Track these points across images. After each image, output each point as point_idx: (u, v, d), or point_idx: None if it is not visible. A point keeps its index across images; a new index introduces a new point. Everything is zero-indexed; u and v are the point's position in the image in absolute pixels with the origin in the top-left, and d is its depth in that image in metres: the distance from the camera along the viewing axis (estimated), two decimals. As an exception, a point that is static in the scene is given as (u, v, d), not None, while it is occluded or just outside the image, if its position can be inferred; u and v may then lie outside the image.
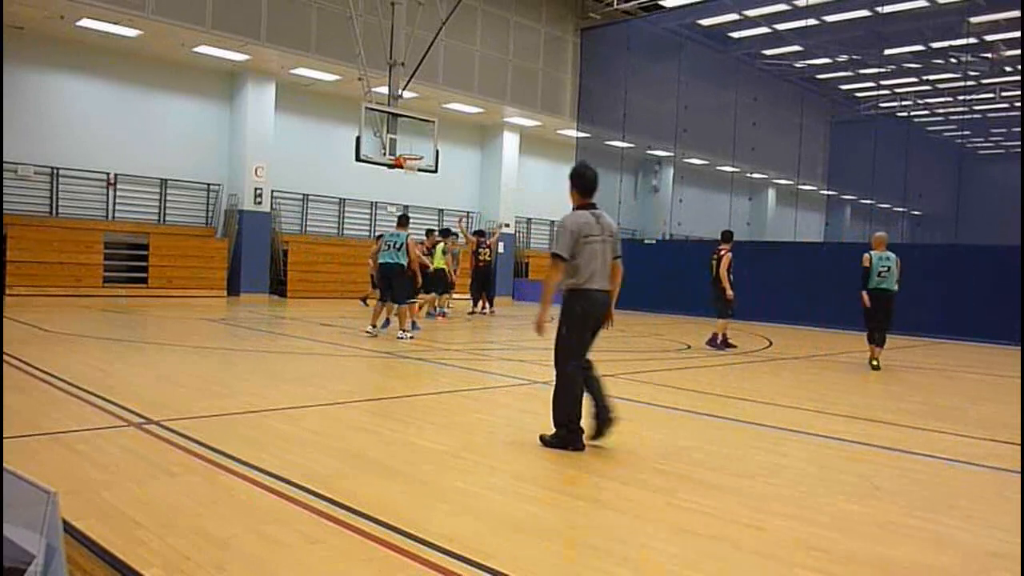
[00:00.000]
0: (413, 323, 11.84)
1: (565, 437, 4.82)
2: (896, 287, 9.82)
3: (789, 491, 4.09)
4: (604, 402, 4.87)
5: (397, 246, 10.98)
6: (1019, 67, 19.94)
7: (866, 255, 9.88)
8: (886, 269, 9.77)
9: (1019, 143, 21.69)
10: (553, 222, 27.13)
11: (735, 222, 22.66)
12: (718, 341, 11.46)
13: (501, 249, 21.62)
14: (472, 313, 16.40)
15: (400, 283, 10.97)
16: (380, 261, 11.08)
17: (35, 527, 1.79)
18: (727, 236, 11.84)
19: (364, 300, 17.33)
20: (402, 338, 10.59)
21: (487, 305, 16.67)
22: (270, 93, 19.00)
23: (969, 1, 18.16)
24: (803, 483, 4.31)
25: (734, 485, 4.13)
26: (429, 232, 15.62)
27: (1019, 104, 21.29)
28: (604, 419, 4.83)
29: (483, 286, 16.84)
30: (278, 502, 3.51)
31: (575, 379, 4.86)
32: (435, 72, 19.22)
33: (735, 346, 11.49)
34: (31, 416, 4.99)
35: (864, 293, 9.80)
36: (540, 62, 22.71)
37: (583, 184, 4.96)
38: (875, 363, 9.91)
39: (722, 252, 11.49)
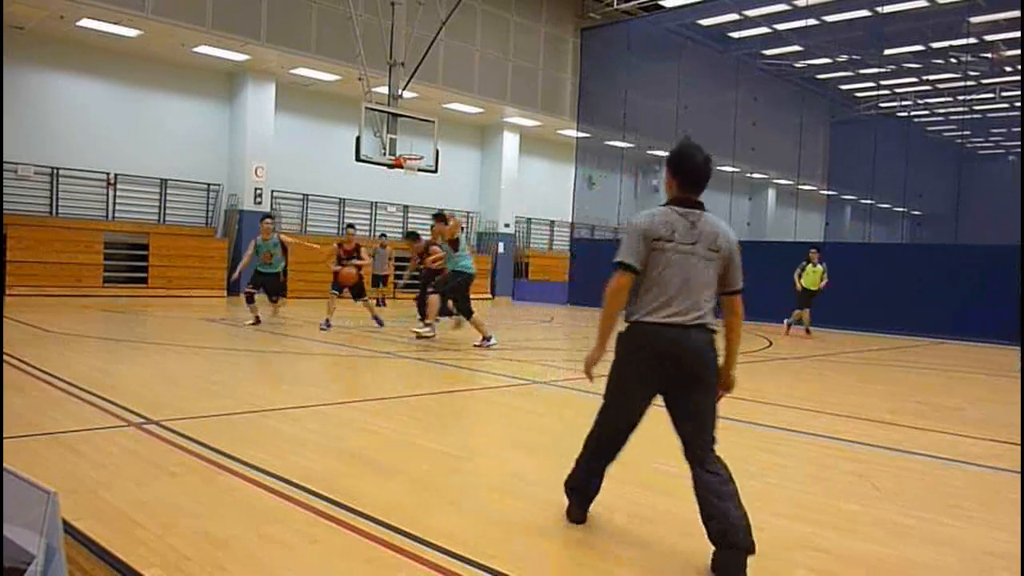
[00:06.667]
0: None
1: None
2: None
3: (789, 491, 4.09)
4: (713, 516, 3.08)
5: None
6: (1019, 67, 19.93)
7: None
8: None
9: (1019, 143, 21.70)
10: (553, 222, 27.16)
11: (735, 222, 22.68)
12: None
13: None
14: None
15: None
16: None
17: (35, 527, 1.79)
18: None
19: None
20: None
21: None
22: (270, 93, 19.01)
23: (969, 1, 18.16)
24: (803, 483, 4.31)
25: (739, 485, 4.12)
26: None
27: (1019, 104, 21.28)
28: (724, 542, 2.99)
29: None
30: (278, 502, 3.51)
31: (590, 451, 3.43)
32: (435, 72, 19.23)
33: None
34: (31, 416, 4.98)
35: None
36: (540, 62, 22.72)
37: (679, 171, 3.21)
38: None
39: None
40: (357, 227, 21.78)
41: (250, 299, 12.04)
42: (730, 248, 3.18)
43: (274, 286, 12.52)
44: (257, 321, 11.84)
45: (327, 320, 11.78)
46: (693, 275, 3.09)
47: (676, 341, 3.05)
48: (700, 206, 3.19)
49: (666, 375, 3.10)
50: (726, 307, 3.25)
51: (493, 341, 10.24)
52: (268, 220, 12.41)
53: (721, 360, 3.22)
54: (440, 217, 10.81)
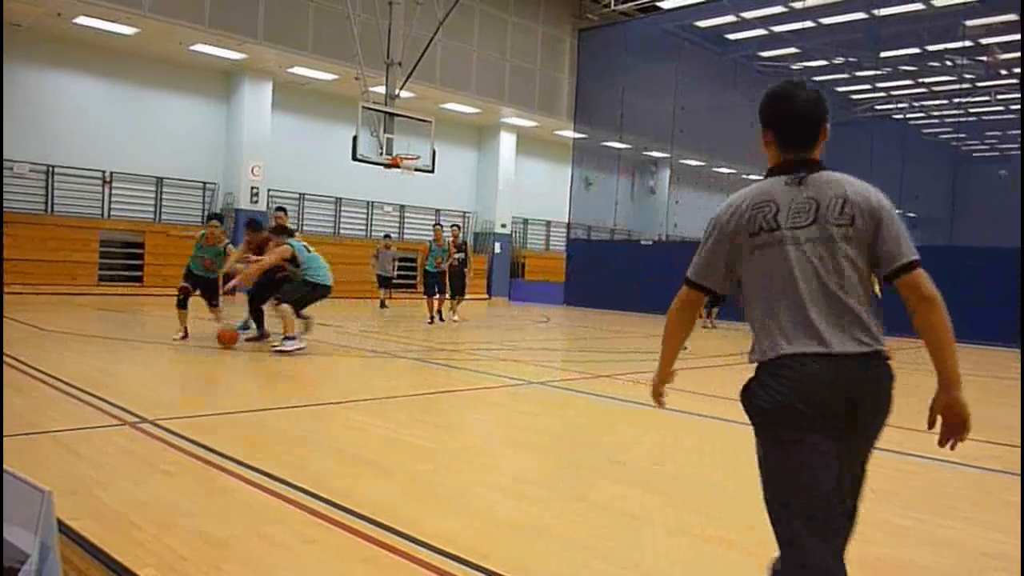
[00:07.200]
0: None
1: None
2: None
3: (787, 492, 4.09)
4: None
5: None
6: (1014, 70, 20.00)
7: None
8: None
9: (1015, 145, 21.77)
10: (550, 222, 27.15)
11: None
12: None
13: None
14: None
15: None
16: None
17: (30, 526, 1.77)
18: None
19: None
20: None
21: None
22: (267, 92, 18.98)
23: (965, 4, 18.22)
24: (801, 484, 4.30)
25: (734, 485, 4.13)
26: None
27: (1016, 107, 21.36)
28: None
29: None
30: (275, 502, 3.49)
31: None
32: (432, 72, 19.22)
33: None
34: (27, 415, 4.96)
35: None
36: (537, 63, 22.72)
37: (773, 120, 2.15)
38: None
39: None
40: (353, 226, 21.94)
41: (182, 303, 9.85)
42: (868, 207, 2.01)
43: (211, 290, 10.13)
44: (185, 335, 9.63)
45: (246, 324, 10.19)
46: (825, 271, 1.99)
47: (843, 380, 1.97)
48: (813, 165, 2.07)
49: (836, 427, 1.96)
50: (908, 294, 2.11)
51: (298, 346, 8.81)
52: (216, 223, 9.96)
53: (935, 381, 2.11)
54: (283, 229, 9.37)
